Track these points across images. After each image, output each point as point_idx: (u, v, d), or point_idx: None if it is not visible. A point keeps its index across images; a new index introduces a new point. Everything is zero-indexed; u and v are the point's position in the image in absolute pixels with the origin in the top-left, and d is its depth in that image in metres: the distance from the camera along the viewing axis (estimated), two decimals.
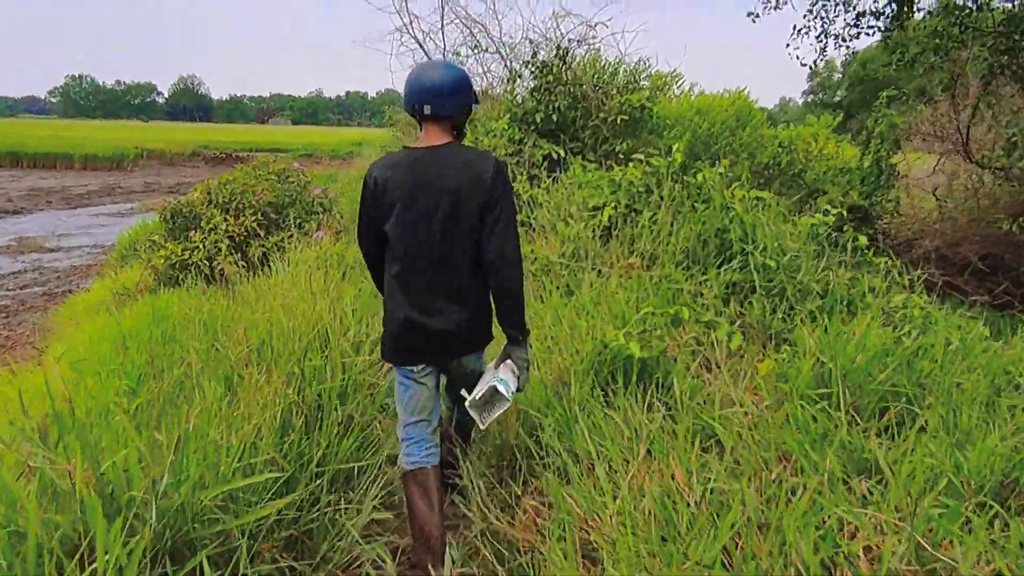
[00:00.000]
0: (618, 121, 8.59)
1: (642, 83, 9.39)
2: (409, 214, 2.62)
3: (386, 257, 2.79)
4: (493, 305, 2.80)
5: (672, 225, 5.59)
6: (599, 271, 5.24)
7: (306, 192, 7.52)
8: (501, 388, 2.70)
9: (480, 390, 2.77)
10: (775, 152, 10.56)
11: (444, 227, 2.61)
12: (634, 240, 5.64)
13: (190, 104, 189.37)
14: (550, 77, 8.46)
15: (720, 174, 5.89)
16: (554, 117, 8.51)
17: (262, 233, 6.68)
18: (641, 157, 6.42)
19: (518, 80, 8.94)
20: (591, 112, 8.95)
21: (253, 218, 6.61)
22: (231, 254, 6.33)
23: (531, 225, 7.13)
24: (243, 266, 6.25)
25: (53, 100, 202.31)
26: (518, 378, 2.81)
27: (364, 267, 3.45)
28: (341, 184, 14.46)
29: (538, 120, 8.46)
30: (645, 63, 9.41)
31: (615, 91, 9.18)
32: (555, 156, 8.23)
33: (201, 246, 6.22)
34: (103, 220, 19.99)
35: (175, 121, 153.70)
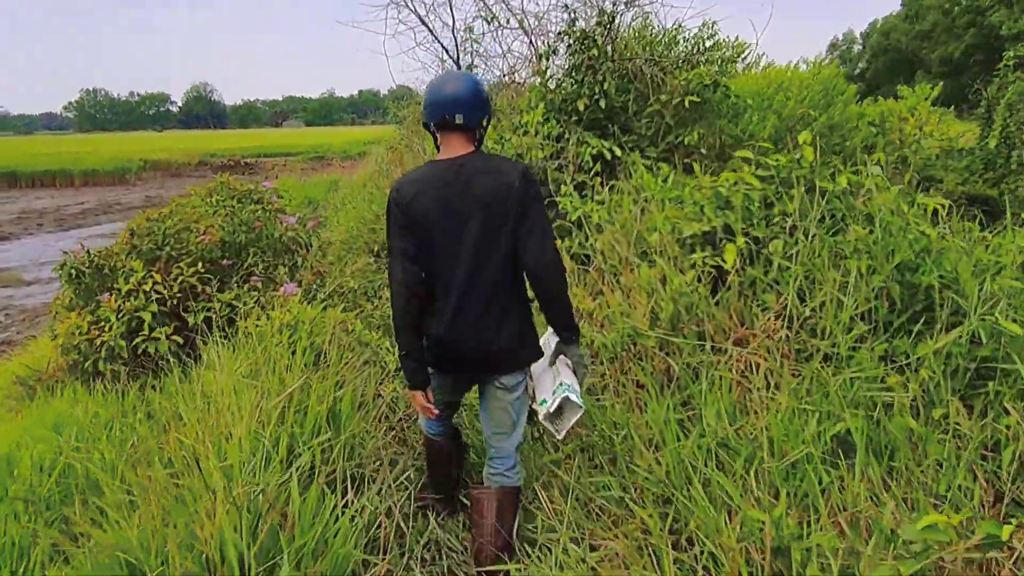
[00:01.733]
0: (685, 104, 6.50)
1: (707, 54, 7.27)
2: (442, 233, 2.56)
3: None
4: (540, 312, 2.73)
5: (825, 262, 3.53)
6: (730, 359, 3.19)
7: (273, 224, 5.53)
8: (573, 396, 2.66)
9: (550, 401, 2.71)
10: (868, 134, 8.42)
11: (477, 241, 2.55)
12: (765, 291, 3.58)
13: (203, 111, 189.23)
14: (594, 51, 6.38)
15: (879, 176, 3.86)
16: (601, 103, 6.44)
17: (208, 290, 4.70)
18: (748, 155, 4.34)
19: (551, 59, 6.88)
20: (647, 94, 6.88)
21: (192, 270, 4.64)
22: (162, 325, 4.35)
23: (584, 260, 5.08)
24: (181, 343, 4.28)
25: (69, 115, 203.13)
26: (580, 375, 2.82)
27: (346, 350, 3.68)
28: (342, 194, 12.46)
29: (581, 108, 6.40)
30: (710, 28, 7.29)
31: (673, 66, 7.11)
32: (607, 155, 6.17)
33: (113, 317, 4.25)
34: (94, 243, 18.18)
35: (189, 129, 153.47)
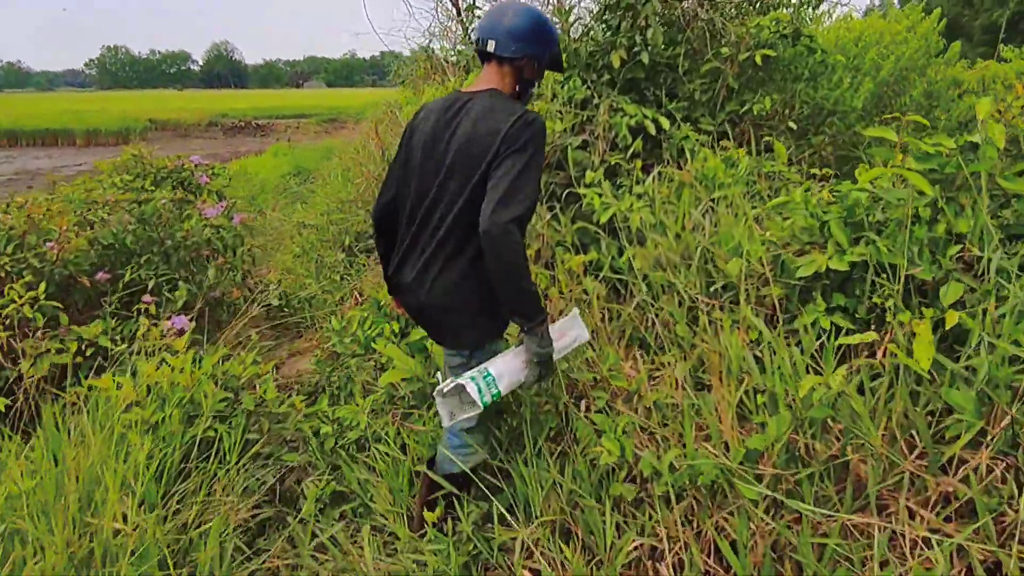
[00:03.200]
0: (756, 60, 4.80)
1: None
2: (420, 165, 2.36)
3: None
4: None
5: None
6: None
7: (181, 220, 3.94)
8: (470, 388, 2.18)
9: (449, 379, 2.27)
10: (971, 104, 6.67)
11: (442, 184, 2.28)
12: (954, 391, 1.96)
13: (224, 70, 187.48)
14: None
15: None
16: (643, 58, 4.76)
17: (62, 323, 3.14)
18: (887, 134, 2.69)
19: (576, 1, 5.20)
20: (702, 47, 5.19)
21: (30, 293, 3.07)
22: None
23: (618, 289, 3.49)
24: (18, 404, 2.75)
25: (91, 72, 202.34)
26: (529, 373, 2.27)
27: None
28: (336, 162, 10.82)
29: (616, 64, 4.73)
30: None
31: (738, 10, 5.39)
32: (651, 128, 4.50)
33: None
34: None
35: (210, 88, 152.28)
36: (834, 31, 6.50)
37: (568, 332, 2.45)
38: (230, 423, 2.96)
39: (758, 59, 4.79)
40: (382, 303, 4.03)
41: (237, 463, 2.81)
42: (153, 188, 4.45)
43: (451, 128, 2.28)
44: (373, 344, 3.33)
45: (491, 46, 2.31)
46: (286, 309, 5.70)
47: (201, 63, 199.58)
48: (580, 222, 3.91)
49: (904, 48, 6.07)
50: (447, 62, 6.07)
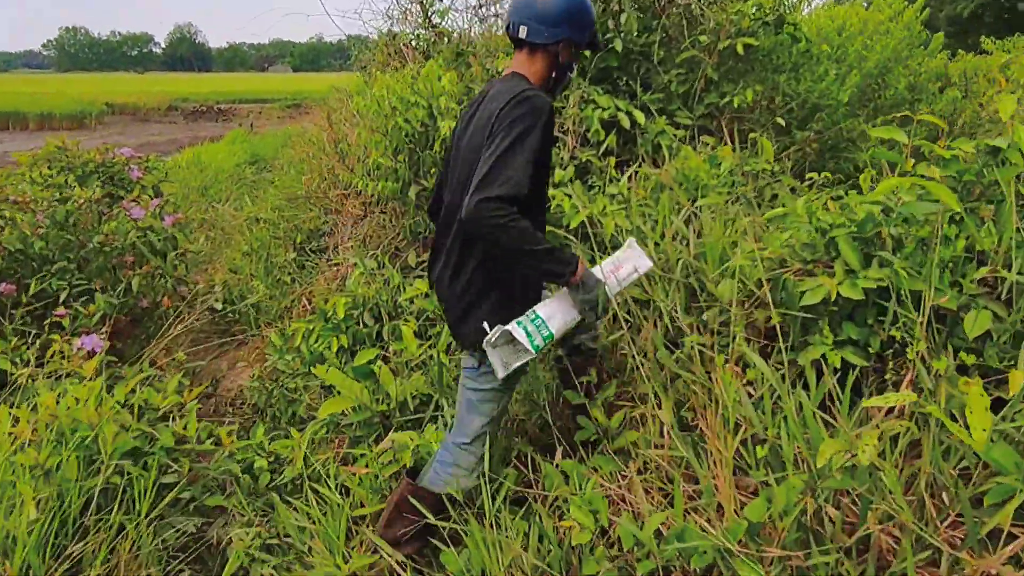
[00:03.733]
0: (738, 49, 4.46)
1: None
2: (451, 159, 2.32)
3: None
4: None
5: None
6: None
7: (103, 222, 3.50)
8: (517, 333, 2.06)
9: (498, 330, 2.09)
10: (954, 98, 6.44)
11: (459, 176, 2.19)
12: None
13: (187, 53, 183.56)
14: None
15: None
16: (616, 45, 4.40)
17: None
18: (896, 135, 2.36)
19: None
20: (678, 35, 4.85)
21: None
22: None
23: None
24: None
25: (49, 54, 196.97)
26: (579, 319, 2.17)
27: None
28: (292, 152, 10.31)
29: (587, 53, 4.36)
30: None
31: None
32: (625, 122, 4.14)
33: None
34: None
35: (173, 72, 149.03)
36: (815, 19, 6.19)
37: (624, 264, 2.28)
38: (145, 464, 2.56)
39: (739, 48, 4.46)
40: (329, 314, 3.64)
41: (149, 513, 2.41)
42: (77, 184, 3.99)
43: (469, 118, 2.23)
44: (313, 369, 2.94)
45: (522, 32, 2.16)
46: (230, 314, 5.27)
47: (164, 45, 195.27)
48: (548, 227, 3.54)
49: (888, 39, 5.77)
50: (406, 46, 5.65)
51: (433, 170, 3.56)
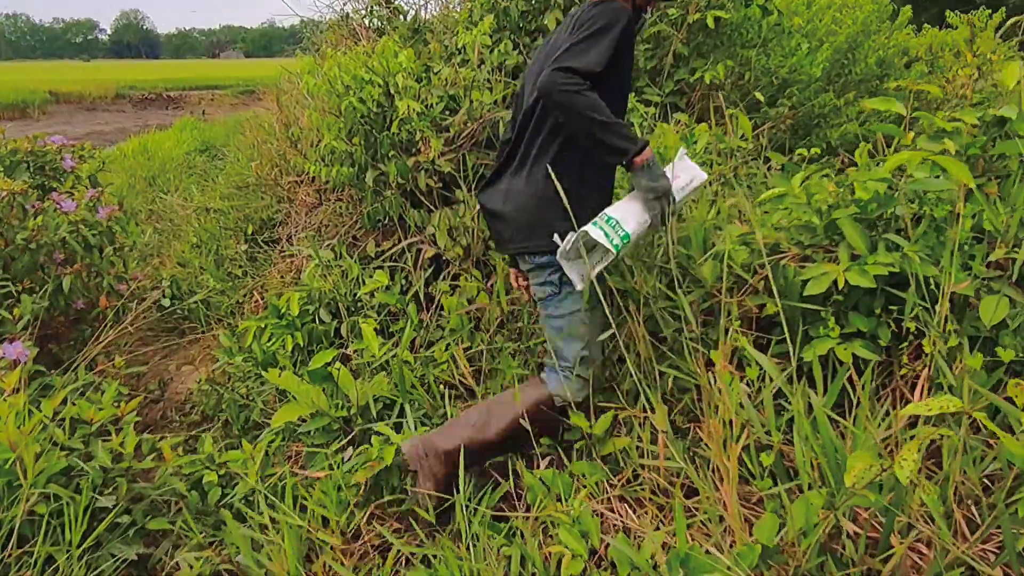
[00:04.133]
0: (709, 23, 4.27)
1: None
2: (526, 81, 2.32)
3: None
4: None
5: None
6: None
7: (28, 216, 3.18)
8: (595, 233, 2.02)
9: (570, 238, 2.06)
10: (921, 73, 6.36)
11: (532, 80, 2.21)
12: None
13: (135, 40, 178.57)
14: None
15: None
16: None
17: None
18: (893, 107, 2.20)
19: None
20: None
21: None
22: None
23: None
24: None
25: None
26: (650, 213, 2.09)
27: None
28: (243, 138, 9.91)
29: (551, 27, 4.13)
30: None
31: None
32: None
33: None
34: None
35: (120, 59, 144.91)
36: None
37: (680, 174, 2.22)
38: (77, 486, 2.29)
39: (710, 21, 4.26)
40: (282, 310, 3.38)
41: (82, 542, 2.15)
42: (2, 175, 3.65)
43: (558, 30, 2.25)
44: (265, 373, 2.69)
45: None
46: (179, 311, 4.96)
47: (110, 32, 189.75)
48: None
49: (859, 12, 5.63)
50: (359, 25, 5.35)
51: (392, 152, 3.31)
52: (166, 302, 4.94)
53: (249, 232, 5.24)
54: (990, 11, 7.50)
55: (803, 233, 2.15)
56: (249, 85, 39.46)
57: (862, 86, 5.74)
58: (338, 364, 2.66)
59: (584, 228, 2.04)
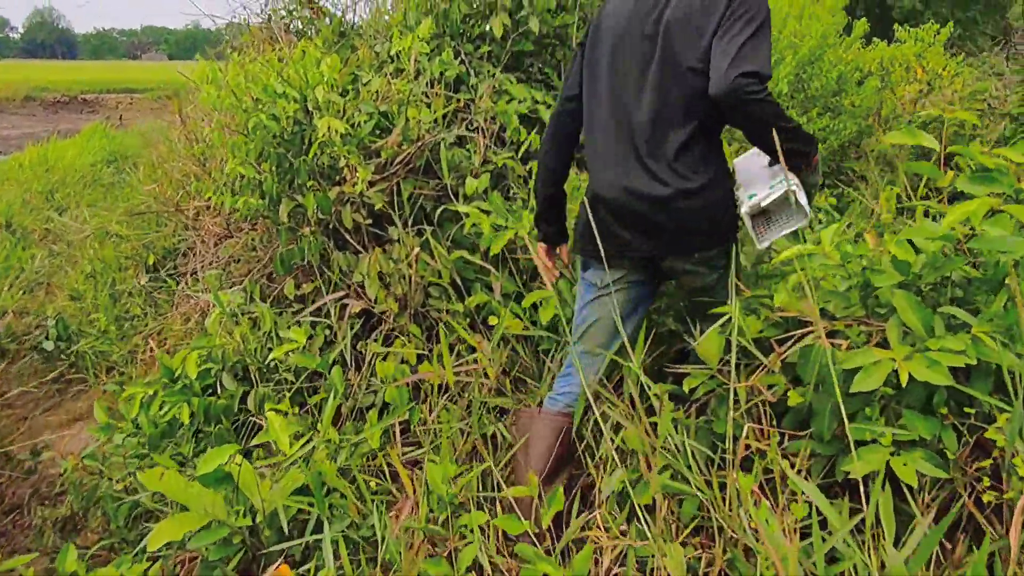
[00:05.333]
0: None
1: None
2: (615, 47, 2.07)
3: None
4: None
5: None
6: None
7: None
8: (800, 196, 1.91)
9: (770, 193, 1.94)
10: (876, 88, 6.12)
11: (656, 63, 1.99)
12: None
13: (49, 40, 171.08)
14: None
15: None
16: (532, 25, 3.68)
17: None
18: (915, 136, 1.74)
19: None
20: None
21: None
22: None
23: (532, 363, 2.44)
24: None
25: None
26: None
27: None
28: (151, 152, 9.08)
29: (497, 33, 3.62)
30: None
31: None
32: (547, 116, 3.44)
33: None
34: None
35: (33, 59, 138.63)
36: None
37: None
38: None
39: None
40: (177, 371, 2.77)
41: None
42: None
43: (660, 6, 2.02)
44: (140, 475, 2.08)
45: None
46: (64, 355, 4.28)
47: (22, 31, 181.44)
48: (460, 251, 2.80)
49: (818, 24, 5.30)
50: (280, 28, 4.74)
51: (310, 182, 2.74)
52: (49, 345, 4.25)
53: (150, 263, 4.57)
54: (938, 26, 7.35)
55: (833, 300, 1.68)
56: (171, 88, 37.93)
57: (819, 102, 5.45)
58: (239, 459, 2.08)
59: (792, 187, 1.89)
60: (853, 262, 1.61)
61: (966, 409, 1.46)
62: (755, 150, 2.16)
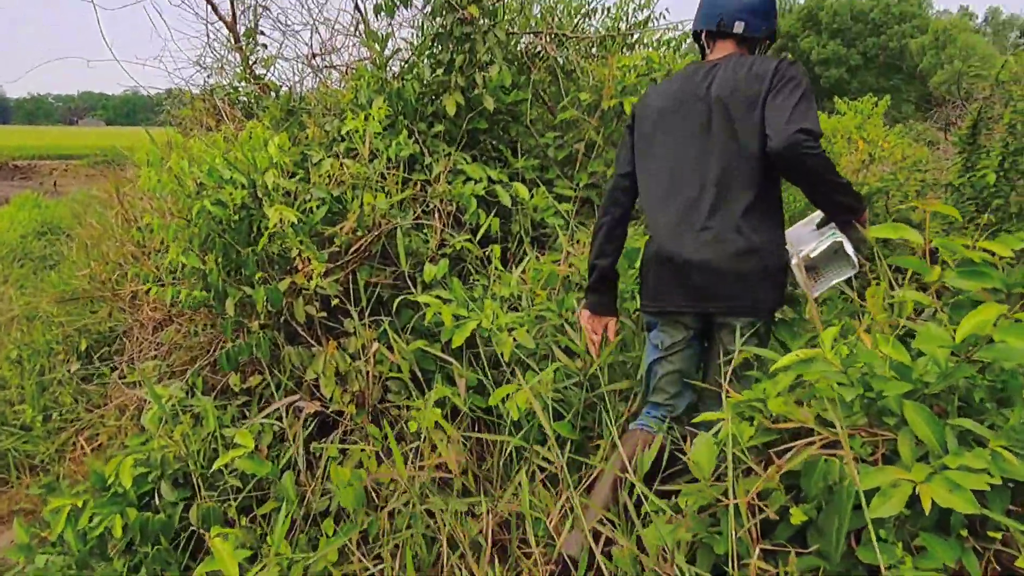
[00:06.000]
0: (627, 109, 3.82)
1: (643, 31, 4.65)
2: (667, 124, 2.26)
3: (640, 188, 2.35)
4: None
5: None
6: None
7: None
8: (848, 247, 2.09)
9: (818, 245, 2.13)
10: None
11: (712, 133, 2.15)
12: None
13: None
14: (474, 9, 3.54)
15: None
16: (486, 103, 3.64)
17: None
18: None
19: (400, 18, 3.98)
20: (555, 92, 4.21)
21: None
22: None
23: (495, 460, 2.29)
24: None
25: None
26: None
27: None
28: (87, 229, 8.74)
29: (451, 111, 3.56)
30: None
31: (594, 46, 4.45)
32: (505, 197, 3.36)
33: None
34: None
35: None
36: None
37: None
38: None
39: (628, 108, 3.80)
40: (109, 479, 2.53)
41: None
42: None
43: (705, 86, 2.19)
44: None
45: (738, 27, 2.27)
46: None
47: None
48: (420, 341, 2.65)
49: None
50: (223, 102, 4.60)
51: (259, 274, 2.58)
52: None
53: (83, 348, 4.29)
54: (876, 98, 7.62)
55: (832, 408, 1.58)
56: (109, 155, 37.17)
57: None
58: None
59: (839, 238, 2.08)
60: (853, 368, 1.52)
61: (990, 533, 1.36)
62: (804, 220, 2.36)
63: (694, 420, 2.11)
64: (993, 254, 1.75)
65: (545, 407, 2.32)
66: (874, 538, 1.28)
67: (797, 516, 1.50)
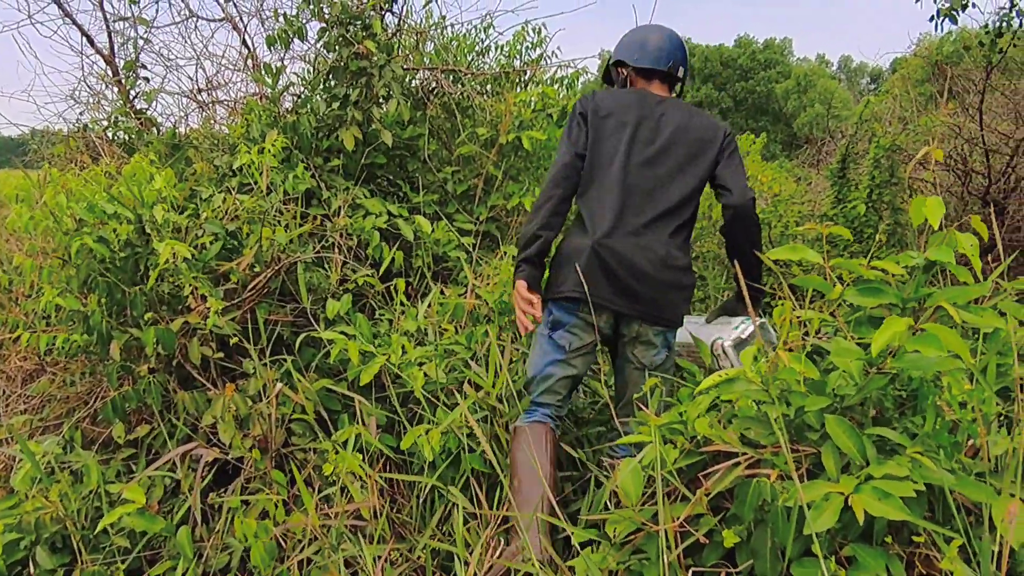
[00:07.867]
0: (526, 144, 3.85)
1: (539, 68, 4.72)
2: (621, 128, 2.37)
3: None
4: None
5: None
6: None
7: None
8: (768, 327, 2.47)
9: (746, 327, 2.47)
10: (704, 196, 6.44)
11: (661, 156, 2.34)
12: None
13: None
14: (370, 43, 3.50)
15: None
16: (384, 138, 3.58)
17: None
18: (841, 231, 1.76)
19: (290, 52, 3.87)
20: (452, 126, 4.20)
21: None
22: None
23: (411, 507, 2.19)
24: None
25: None
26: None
27: None
28: None
29: (349, 147, 3.49)
30: (536, 31, 4.76)
31: (492, 82, 4.48)
32: (408, 232, 3.30)
33: None
34: None
35: None
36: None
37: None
38: None
39: (526, 143, 3.83)
40: None
41: None
42: None
43: (658, 115, 2.38)
44: None
45: (680, 72, 2.55)
46: None
47: None
48: (324, 380, 2.53)
49: None
50: (100, 139, 4.34)
51: (149, 315, 2.40)
52: None
53: None
54: (754, 136, 8.02)
55: (753, 427, 1.60)
56: None
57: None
58: None
59: (763, 321, 2.46)
60: (773, 386, 1.54)
61: (915, 538, 1.39)
62: (715, 320, 2.63)
63: (617, 443, 2.14)
64: (886, 272, 1.83)
65: (460, 445, 2.26)
66: (819, 551, 1.27)
67: (729, 539, 1.49)
